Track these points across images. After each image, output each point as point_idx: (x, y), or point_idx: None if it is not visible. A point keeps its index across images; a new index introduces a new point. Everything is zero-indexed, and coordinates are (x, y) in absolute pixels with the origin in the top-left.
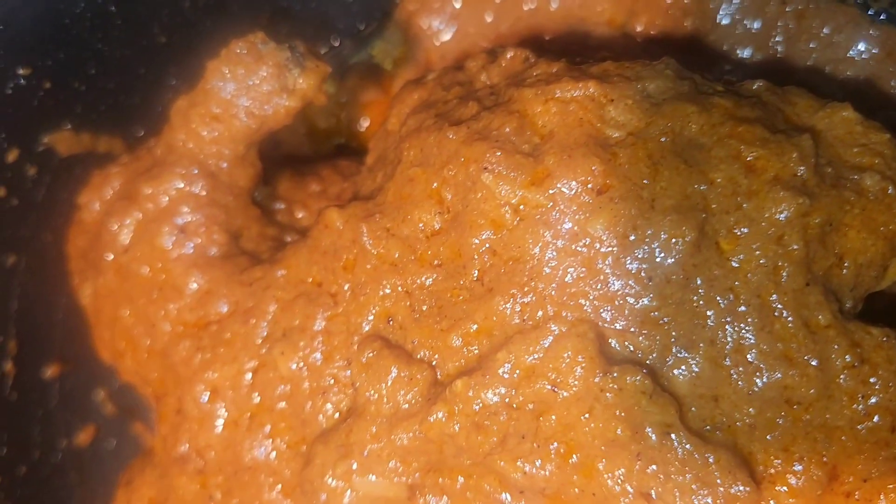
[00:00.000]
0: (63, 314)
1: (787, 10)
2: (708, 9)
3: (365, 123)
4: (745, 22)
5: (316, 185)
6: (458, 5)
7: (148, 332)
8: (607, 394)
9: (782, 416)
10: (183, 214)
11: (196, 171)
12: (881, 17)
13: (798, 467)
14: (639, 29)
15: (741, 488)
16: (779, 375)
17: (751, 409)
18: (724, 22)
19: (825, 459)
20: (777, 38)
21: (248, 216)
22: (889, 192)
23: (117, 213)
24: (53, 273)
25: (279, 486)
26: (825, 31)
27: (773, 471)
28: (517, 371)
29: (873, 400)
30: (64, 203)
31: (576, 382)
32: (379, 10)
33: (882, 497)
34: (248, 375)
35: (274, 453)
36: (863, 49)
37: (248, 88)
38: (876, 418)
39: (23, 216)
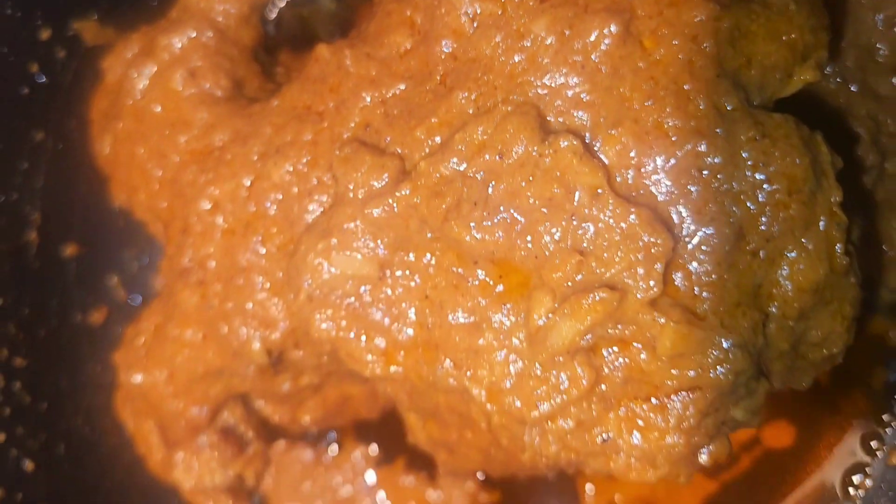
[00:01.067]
0: (84, 197)
1: None
2: None
3: None
4: None
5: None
6: None
7: (160, 163)
8: (546, 158)
9: (695, 183)
10: (193, 60)
11: (206, 25)
12: None
13: (709, 228)
14: None
15: (658, 239)
16: (690, 146)
17: (668, 177)
18: None
19: (732, 220)
20: None
21: (250, 70)
22: (790, 7)
23: (136, 65)
24: (78, 157)
25: (269, 284)
26: None
27: (688, 230)
28: (470, 147)
29: (772, 168)
30: (87, 93)
31: (519, 150)
32: None
33: (785, 254)
34: (245, 188)
35: (265, 254)
36: None
37: None
38: (775, 184)
39: (52, 96)
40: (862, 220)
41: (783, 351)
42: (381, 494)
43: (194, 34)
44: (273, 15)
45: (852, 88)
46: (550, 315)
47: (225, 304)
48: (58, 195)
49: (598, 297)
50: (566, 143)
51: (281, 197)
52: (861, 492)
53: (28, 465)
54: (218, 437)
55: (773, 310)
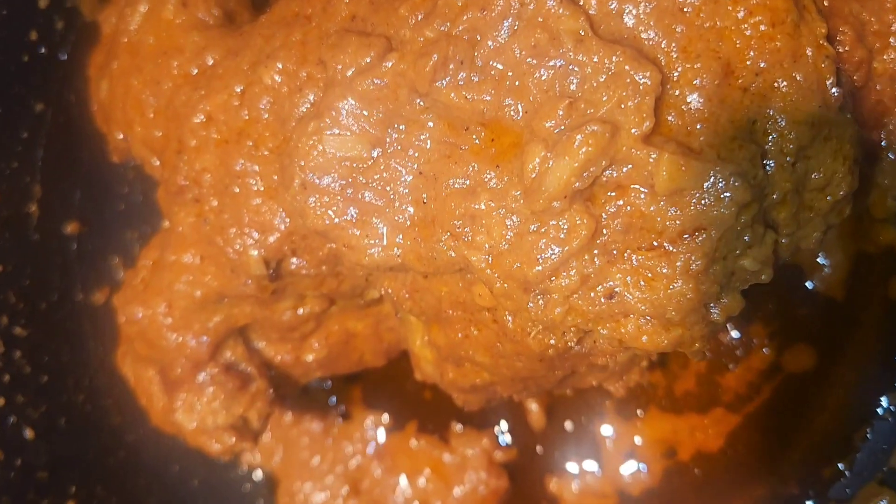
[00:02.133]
0: (84, 175)
1: None
2: None
3: None
4: None
5: None
6: None
7: (154, 91)
8: (528, 6)
9: (678, 22)
10: None
11: None
12: None
13: (696, 64)
14: None
15: (646, 74)
16: None
17: (650, 17)
18: None
19: (720, 56)
20: None
21: (239, 3)
22: None
23: (130, 4)
24: (77, 133)
25: (263, 188)
26: None
27: (675, 69)
28: (452, 8)
29: (753, 0)
30: (84, 68)
31: (500, 4)
32: None
33: (775, 87)
34: (237, 97)
35: (259, 159)
36: None
37: None
38: (757, 16)
39: (50, 68)
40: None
41: (786, 192)
42: (394, 462)
43: None
44: None
45: None
46: (544, 163)
47: (221, 217)
48: (58, 169)
49: (589, 131)
50: None
51: (272, 100)
52: (893, 407)
53: (28, 432)
54: (219, 372)
55: (771, 145)
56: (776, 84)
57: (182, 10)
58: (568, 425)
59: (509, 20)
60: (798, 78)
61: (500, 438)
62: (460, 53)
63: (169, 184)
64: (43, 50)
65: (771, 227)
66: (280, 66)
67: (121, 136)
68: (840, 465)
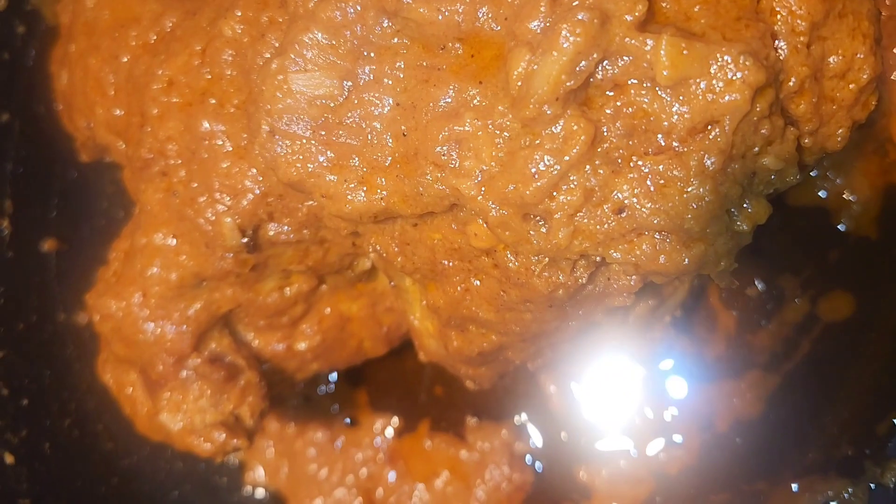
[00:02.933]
0: (59, 190)
1: None
2: None
3: None
4: None
5: None
6: None
7: (113, 67)
8: None
9: None
10: None
11: None
12: None
13: None
14: None
15: None
16: None
17: None
18: None
19: None
20: None
21: None
22: None
23: None
24: (48, 146)
25: (231, 147)
26: None
27: None
28: None
29: None
30: (49, 79)
31: None
32: None
33: None
34: (198, 56)
35: (225, 117)
36: None
37: None
38: None
39: (13, 75)
40: None
41: (804, 78)
42: (408, 466)
43: None
44: None
45: None
46: (530, 67)
47: (190, 186)
48: (30, 184)
49: (576, 19)
50: None
51: (234, 52)
52: None
53: (7, 457)
54: (203, 364)
55: (780, 24)
56: None
57: None
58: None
59: None
60: None
61: (520, 428)
62: None
63: (133, 160)
64: (5, 55)
65: (791, 123)
66: (239, 13)
67: (84, 125)
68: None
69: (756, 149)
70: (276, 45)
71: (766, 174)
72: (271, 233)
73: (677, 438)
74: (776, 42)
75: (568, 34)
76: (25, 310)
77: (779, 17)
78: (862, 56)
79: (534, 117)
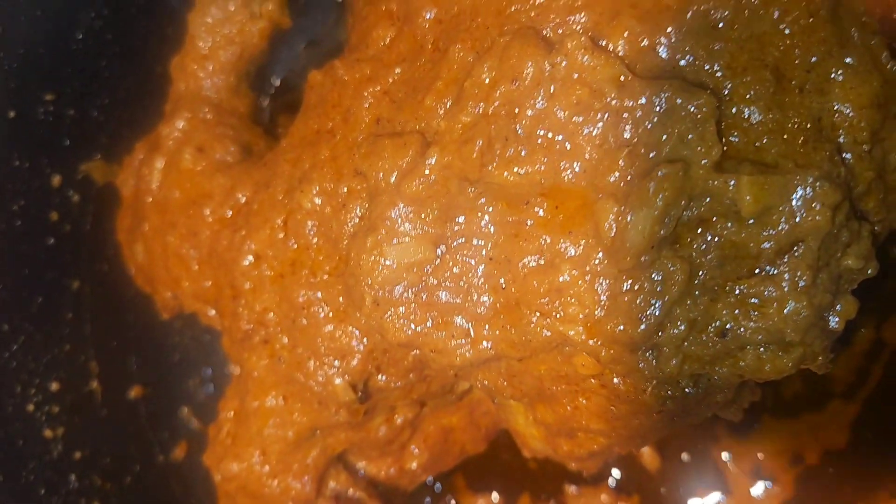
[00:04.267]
0: (134, 336)
1: None
2: None
3: None
4: None
5: None
6: None
7: (193, 243)
8: (559, 66)
9: (715, 40)
10: (198, 137)
11: (200, 103)
12: None
13: (745, 78)
14: None
15: (700, 101)
16: (695, 7)
17: (686, 44)
18: None
19: (767, 63)
20: None
21: (253, 133)
22: None
23: (147, 164)
24: (117, 299)
25: (332, 313)
26: None
27: (725, 88)
28: (482, 88)
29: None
30: (110, 235)
31: (530, 69)
32: None
33: (831, 78)
34: (280, 229)
35: (319, 285)
36: None
37: (222, 21)
38: (794, 12)
39: (77, 243)
40: None
41: (870, 181)
42: None
43: (191, 115)
44: (277, 82)
45: None
46: (620, 217)
47: (295, 352)
48: (108, 340)
49: (661, 174)
50: (573, 43)
51: (317, 223)
52: None
53: None
54: None
55: (843, 138)
56: (831, 75)
57: (200, 156)
58: (685, 458)
59: (544, 85)
60: (851, 62)
61: (618, 489)
62: (503, 131)
63: (233, 331)
64: (67, 228)
65: (864, 219)
66: (317, 187)
67: (169, 295)
68: None
69: (838, 254)
70: (360, 212)
71: (850, 274)
72: (380, 382)
73: (771, 477)
74: (842, 155)
75: (656, 190)
76: (129, 461)
77: (841, 131)
78: None
79: (632, 266)
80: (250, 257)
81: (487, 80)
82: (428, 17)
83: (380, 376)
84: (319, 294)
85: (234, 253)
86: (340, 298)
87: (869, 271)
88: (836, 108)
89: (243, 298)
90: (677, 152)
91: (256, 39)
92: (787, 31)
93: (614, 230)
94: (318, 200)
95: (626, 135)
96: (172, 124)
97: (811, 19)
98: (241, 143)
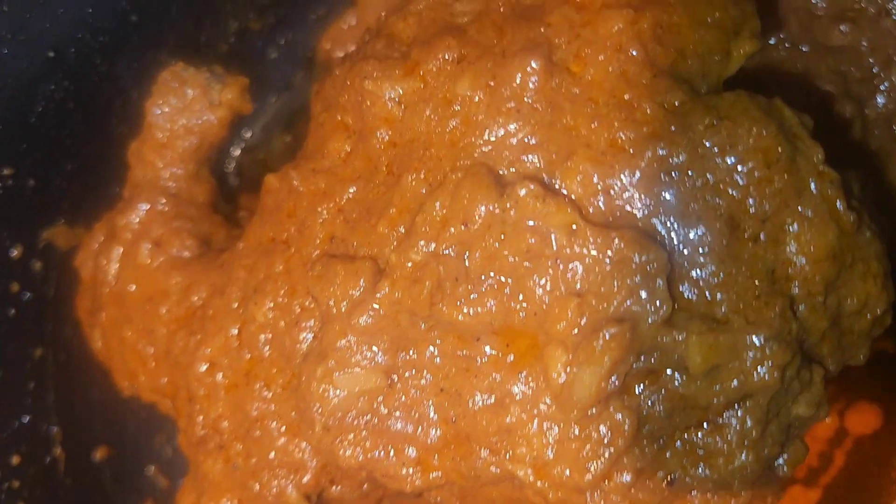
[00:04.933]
0: (99, 398)
1: None
2: None
3: None
4: None
5: None
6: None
7: (149, 340)
8: (510, 212)
9: (668, 187)
10: (154, 230)
11: (158, 193)
12: None
13: (698, 228)
14: None
15: (650, 255)
16: (650, 153)
17: (639, 191)
18: None
19: (719, 213)
20: None
21: (213, 223)
22: None
23: (104, 252)
24: (80, 366)
25: (285, 427)
26: None
27: (678, 237)
28: (433, 225)
29: (741, 147)
30: (73, 293)
31: (481, 213)
32: (302, 57)
33: (786, 229)
34: (235, 338)
35: (273, 398)
36: None
37: (181, 110)
38: (749, 162)
39: (40, 311)
40: (863, 173)
41: (824, 330)
42: None
43: (148, 206)
44: (231, 167)
45: (804, 49)
46: (568, 368)
47: (249, 461)
48: (72, 404)
49: (609, 335)
50: (524, 191)
51: (271, 336)
52: None
53: None
54: None
55: (797, 290)
56: (787, 226)
57: (157, 252)
58: None
59: (495, 229)
60: (808, 213)
61: None
62: (453, 272)
63: (188, 433)
64: (28, 296)
65: (816, 362)
66: (270, 301)
67: (127, 385)
68: None
69: (789, 404)
70: (313, 329)
71: (800, 422)
72: (335, 492)
73: None
74: (795, 307)
75: (603, 350)
76: None
77: (795, 282)
78: (875, 294)
79: (580, 418)
80: (205, 364)
81: (438, 218)
82: (382, 137)
83: (334, 487)
84: (273, 407)
85: (189, 357)
86: (293, 413)
87: (821, 416)
88: (790, 259)
89: (198, 404)
90: (627, 307)
91: (216, 128)
92: (741, 182)
93: (562, 378)
94: (271, 315)
95: (577, 285)
96: (129, 215)
97: (768, 169)
98: (199, 235)
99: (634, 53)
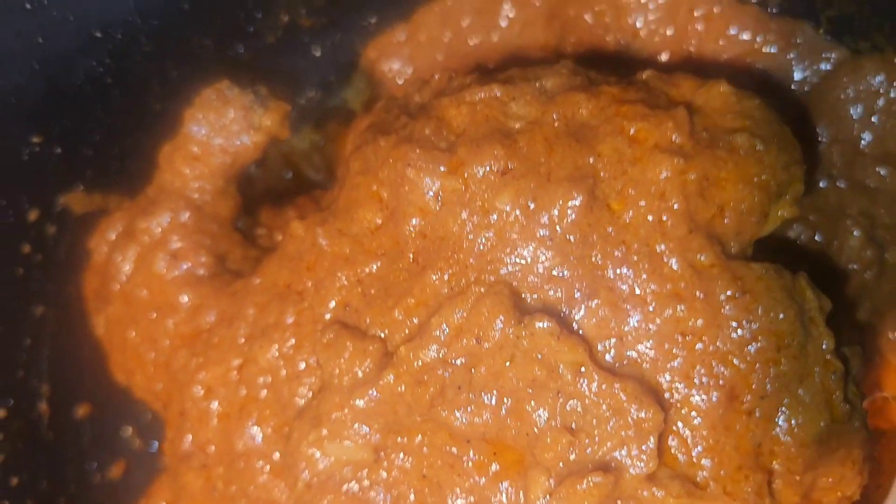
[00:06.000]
0: (90, 360)
1: (695, 14)
2: (627, 24)
3: None
4: (660, 30)
5: (293, 212)
6: (412, 49)
7: (151, 347)
8: (523, 340)
9: (679, 348)
10: (173, 242)
11: (183, 205)
12: (775, 11)
13: (699, 392)
14: (569, 50)
15: (648, 413)
16: (670, 311)
17: (651, 344)
18: (643, 33)
19: (722, 382)
20: (691, 41)
21: (231, 241)
22: (758, 147)
23: (120, 248)
24: (78, 324)
25: (268, 467)
26: (731, 29)
27: (678, 396)
28: (447, 331)
29: (756, 325)
30: (82, 258)
31: (496, 334)
32: (346, 60)
33: (781, 409)
34: (235, 372)
35: (261, 438)
36: (764, 40)
37: (220, 129)
38: (761, 342)
39: (47, 271)
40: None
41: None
42: None
43: (171, 215)
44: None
45: (841, 185)
46: (548, 497)
47: (229, 487)
48: (64, 363)
49: (592, 482)
50: (542, 325)
51: (270, 380)
52: None
53: None
54: None
55: (777, 466)
56: (782, 407)
57: (173, 264)
58: None
59: (506, 352)
60: (805, 399)
61: None
62: (457, 380)
63: (174, 444)
64: (38, 257)
65: None
66: (276, 351)
67: (122, 379)
68: None
69: None
70: (312, 387)
71: None
72: None
73: None
74: (773, 482)
75: (585, 494)
76: (65, 483)
77: (777, 461)
78: (850, 477)
79: None
80: (202, 389)
81: (454, 326)
82: (414, 224)
83: None
84: (260, 445)
85: (188, 377)
86: (275, 454)
87: None
88: (778, 437)
89: (189, 422)
90: (614, 455)
91: (251, 151)
92: (749, 357)
93: (541, 503)
94: (274, 361)
95: (573, 422)
96: (151, 220)
97: (778, 352)
98: (216, 253)
99: (676, 206)
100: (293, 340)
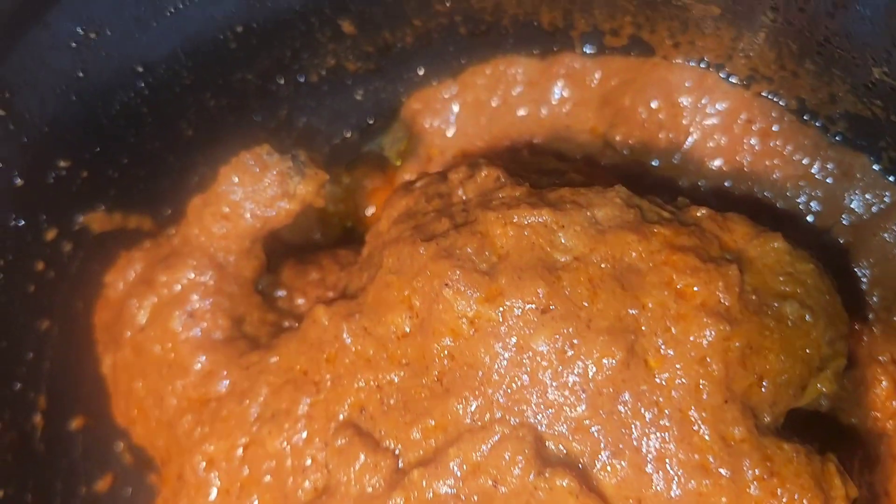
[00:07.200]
0: (89, 373)
1: (753, 128)
2: (681, 125)
3: (370, 210)
4: (715, 136)
5: (315, 274)
6: (457, 108)
7: (157, 403)
8: (540, 492)
9: None
10: (192, 301)
11: (206, 263)
12: (837, 139)
13: None
14: (618, 139)
15: None
16: (694, 484)
17: None
18: (696, 136)
19: None
20: (745, 154)
21: (250, 304)
22: (807, 318)
23: (137, 294)
24: (82, 337)
25: None
26: (788, 149)
27: None
28: (465, 466)
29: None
30: (94, 274)
31: (514, 480)
32: (387, 107)
33: None
34: (240, 450)
35: None
36: (821, 167)
37: (254, 193)
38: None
39: (57, 286)
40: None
41: None
42: None
43: (193, 275)
44: None
45: (875, 330)
46: None
47: None
48: (64, 378)
49: None
50: (563, 483)
51: (275, 465)
52: None
53: None
54: None
55: None
56: None
57: (189, 323)
58: None
59: (522, 499)
60: None
61: None
62: None
63: (168, 501)
64: (51, 275)
65: None
66: (285, 441)
67: (122, 421)
68: None
69: None
70: (314, 487)
71: None
72: None
73: None
74: None
75: None
76: (51, 497)
77: None
78: None
79: None
80: (204, 461)
81: (471, 462)
82: (444, 344)
83: None
84: None
85: (191, 444)
86: None
87: None
88: None
89: (186, 489)
90: None
91: (283, 217)
92: None
93: None
94: (282, 449)
95: None
96: (172, 275)
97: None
98: (233, 316)
99: (715, 372)
100: (305, 434)
